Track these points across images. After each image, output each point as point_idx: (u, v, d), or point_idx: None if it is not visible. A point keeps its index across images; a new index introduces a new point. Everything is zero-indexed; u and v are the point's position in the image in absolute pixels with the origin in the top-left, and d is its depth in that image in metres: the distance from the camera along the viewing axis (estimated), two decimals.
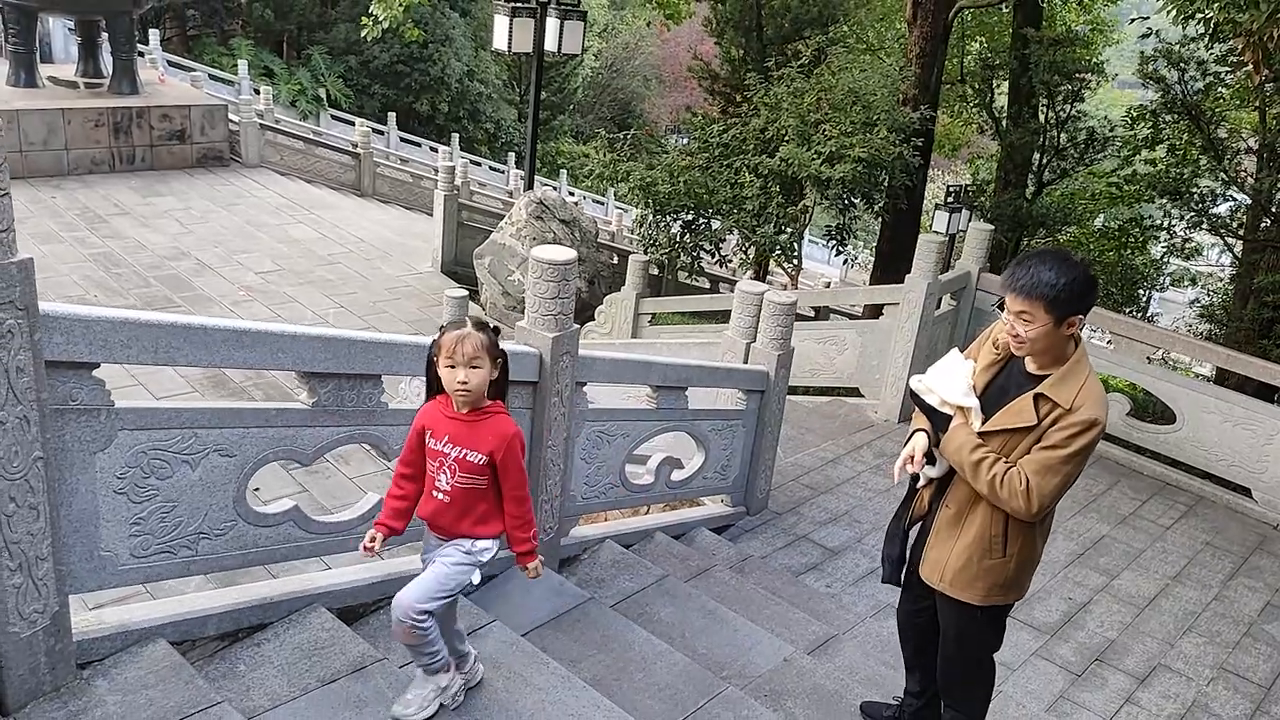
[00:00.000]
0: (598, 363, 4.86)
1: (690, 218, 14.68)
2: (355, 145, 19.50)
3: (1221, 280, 18.77)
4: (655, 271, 14.82)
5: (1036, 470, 3.11)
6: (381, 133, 27.65)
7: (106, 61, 16.77)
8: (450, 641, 3.36)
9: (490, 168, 30.49)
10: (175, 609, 3.45)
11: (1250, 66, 13.43)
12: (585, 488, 5.03)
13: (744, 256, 16.10)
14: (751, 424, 6.23)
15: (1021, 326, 3.11)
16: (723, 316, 11.03)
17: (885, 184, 13.85)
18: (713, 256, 15.21)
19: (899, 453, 3.51)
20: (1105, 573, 6.45)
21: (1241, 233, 14.88)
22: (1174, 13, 11.36)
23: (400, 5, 15.65)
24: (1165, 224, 16.35)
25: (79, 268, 11.63)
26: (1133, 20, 15.24)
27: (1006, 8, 18.50)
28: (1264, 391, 8.86)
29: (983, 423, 3.27)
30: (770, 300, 6.19)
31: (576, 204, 15.36)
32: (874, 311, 12.38)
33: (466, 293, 9.97)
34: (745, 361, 6.36)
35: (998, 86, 19.52)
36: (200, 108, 16.88)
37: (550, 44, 12.58)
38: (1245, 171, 14.56)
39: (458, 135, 30.55)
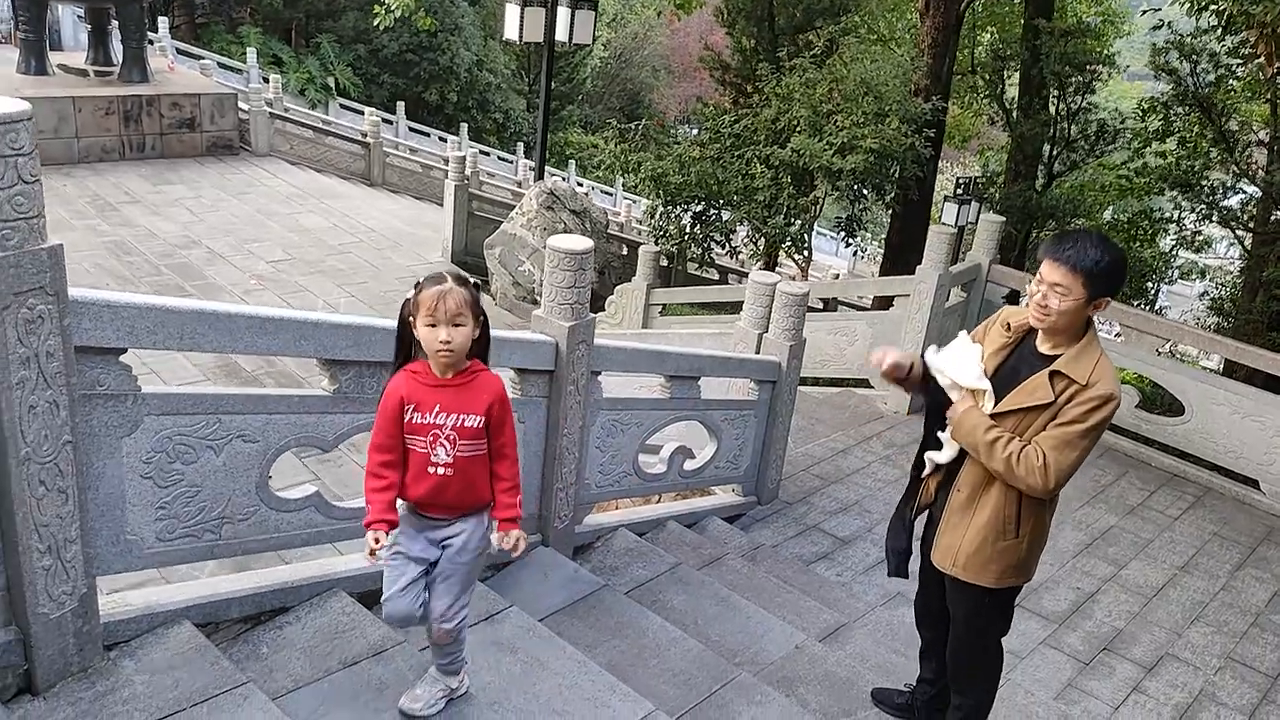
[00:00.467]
0: (613, 352, 4.90)
1: (701, 209, 14.71)
2: (364, 134, 19.51)
3: (1230, 273, 18.73)
4: (665, 262, 14.85)
5: (1054, 446, 3.14)
6: (390, 122, 27.66)
7: (116, 49, 16.82)
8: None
9: (499, 158, 30.49)
10: (199, 592, 3.50)
11: (1263, 58, 13.43)
12: (599, 476, 5.07)
13: (754, 248, 16.12)
14: (763, 414, 6.27)
15: (1055, 298, 3.13)
16: (733, 308, 11.05)
17: (896, 175, 13.87)
18: (723, 247, 15.23)
19: (909, 445, 3.54)
20: (1113, 563, 6.49)
21: (1252, 225, 14.85)
22: (1187, 4, 11.33)
23: None
24: (1175, 217, 16.32)
25: (91, 255, 11.67)
26: (1144, 12, 15.25)
27: None
28: (1272, 383, 8.84)
29: (995, 404, 3.30)
30: (783, 291, 6.23)
31: (585, 195, 15.38)
32: (884, 303, 12.41)
33: (477, 283, 10.00)
34: (757, 352, 6.39)
35: (1008, 77, 19.44)
36: (210, 96, 16.91)
37: (561, 34, 12.58)
38: (1256, 164, 14.51)
39: (466, 125, 30.53)
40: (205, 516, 3.36)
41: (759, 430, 6.29)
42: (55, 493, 2.86)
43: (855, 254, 18.54)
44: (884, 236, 18.41)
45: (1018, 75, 18.26)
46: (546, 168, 14.71)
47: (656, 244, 14.08)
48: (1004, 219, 9.63)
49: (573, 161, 33.86)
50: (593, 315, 4.52)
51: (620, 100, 44.39)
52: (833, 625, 4.90)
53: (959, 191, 15.33)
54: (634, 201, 27.76)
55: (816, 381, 9.71)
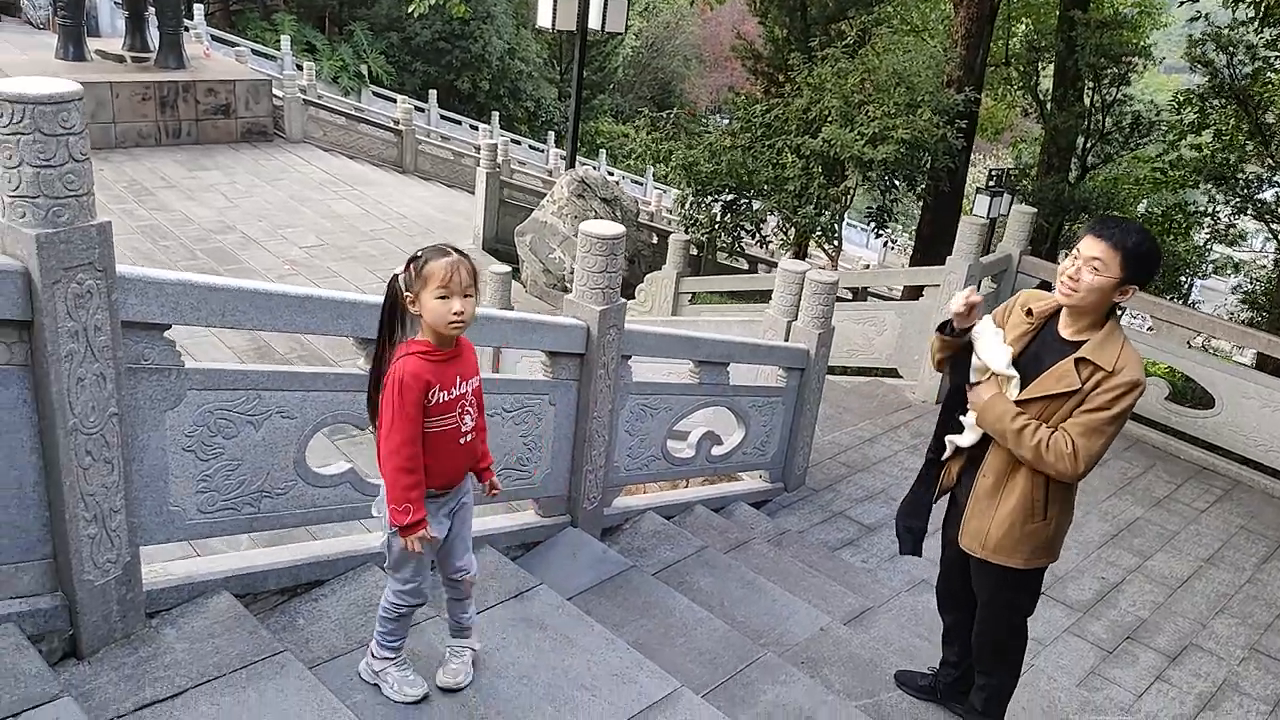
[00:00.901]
0: (644, 336, 4.95)
1: (731, 198, 14.72)
2: (397, 122, 19.65)
3: (1265, 267, 18.57)
4: (695, 251, 14.89)
5: (1082, 432, 3.18)
6: (422, 110, 27.79)
7: (153, 35, 17.01)
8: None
9: (530, 146, 30.57)
10: (238, 563, 3.59)
11: None
12: (628, 459, 5.12)
13: (784, 237, 16.12)
14: (791, 401, 6.31)
15: (1089, 273, 3.15)
16: (762, 296, 11.09)
17: (928, 166, 13.82)
18: (753, 237, 15.24)
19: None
20: (1139, 554, 6.49)
21: None
22: None
23: None
24: (1209, 210, 16.19)
25: (127, 239, 11.84)
26: (1181, 3, 15.09)
27: None
28: None
29: (1020, 390, 3.32)
30: (812, 279, 6.26)
31: (616, 183, 15.43)
32: (913, 293, 12.39)
33: (509, 269, 10.07)
34: (786, 339, 6.42)
35: (1043, 69, 19.34)
36: (245, 83, 17.09)
37: (594, 22, 12.61)
38: None
39: (498, 113, 30.63)
40: (245, 490, 3.44)
41: (786, 417, 6.33)
42: (101, 463, 2.94)
43: (885, 245, 18.50)
44: (915, 228, 18.36)
45: (1052, 67, 18.17)
46: (577, 157, 14.76)
47: (687, 233, 14.11)
48: (1036, 210, 9.60)
49: (603, 150, 33.92)
50: (624, 300, 4.57)
51: (651, 89, 44.40)
52: (857, 609, 4.94)
53: (991, 184, 15.27)
54: (664, 191, 27.80)
55: (845, 370, 9.74)
